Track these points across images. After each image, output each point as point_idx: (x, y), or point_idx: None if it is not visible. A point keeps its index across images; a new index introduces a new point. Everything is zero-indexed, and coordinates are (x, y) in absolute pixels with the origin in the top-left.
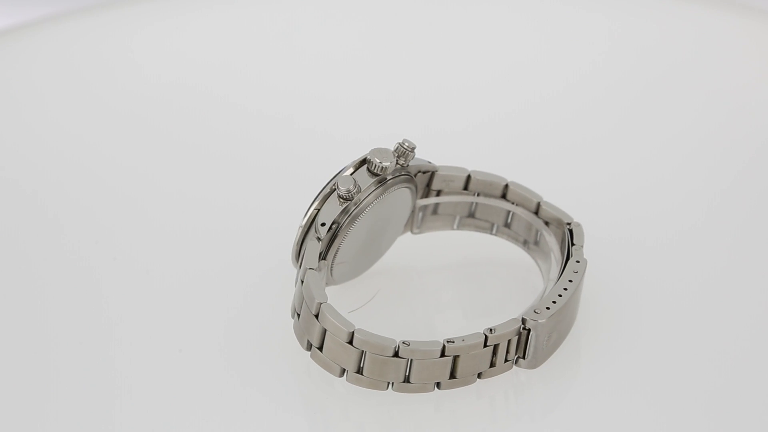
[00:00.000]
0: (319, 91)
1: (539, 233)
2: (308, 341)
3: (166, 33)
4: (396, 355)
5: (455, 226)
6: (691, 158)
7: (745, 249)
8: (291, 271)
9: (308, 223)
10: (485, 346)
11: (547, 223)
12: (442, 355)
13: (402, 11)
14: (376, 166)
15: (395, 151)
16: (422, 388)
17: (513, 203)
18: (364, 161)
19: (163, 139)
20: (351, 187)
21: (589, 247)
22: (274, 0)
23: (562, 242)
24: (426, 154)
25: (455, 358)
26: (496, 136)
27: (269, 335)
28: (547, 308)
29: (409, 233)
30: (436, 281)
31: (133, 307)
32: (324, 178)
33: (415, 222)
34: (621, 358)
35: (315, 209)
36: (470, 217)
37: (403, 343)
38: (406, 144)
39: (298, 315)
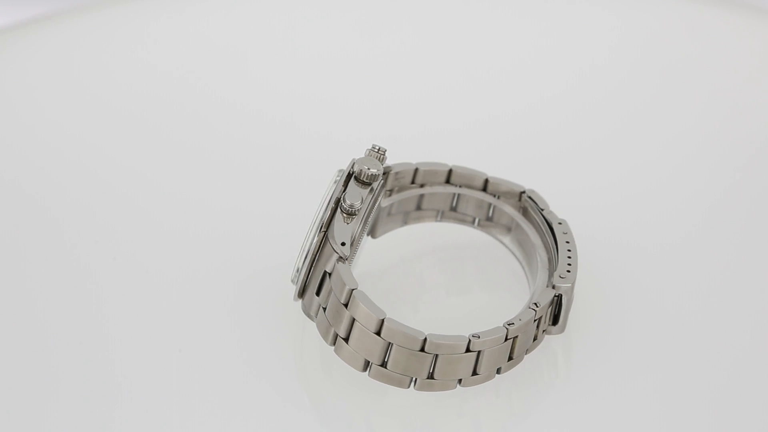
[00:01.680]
0: (317, 91)
1: (492, 207)
2: (366, 361)
3: (166, 33)
4: (468, 350)
5: (403, 222)
6: (691, 161)
7: (743, 254)
8: (289, 271)
9: (316, 251)
10: (534, 321)
11: (497, 197)
12: (506, 339)
13: (401, 12)
14: (366, 175)
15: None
16: (487, 378)
17: (458, 186)
18: (349, 174)
19: (163, 139)
20: (358, 203)
21: (587, 249)
22: (274, 1)
23: (524, 211)
24: (425, 155)
25: (514, 339)
26: (496, 138)
27: (271, 334)
28: (568, 271)
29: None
30: (392, 279)
31: (133, 307)
32: (321, 178)
33: (376, 226)
34: (613, 360)
35: (323, 233)
36: (417, 210)
37: (473, 336)
38: (378, 148)
39: (345, 339)
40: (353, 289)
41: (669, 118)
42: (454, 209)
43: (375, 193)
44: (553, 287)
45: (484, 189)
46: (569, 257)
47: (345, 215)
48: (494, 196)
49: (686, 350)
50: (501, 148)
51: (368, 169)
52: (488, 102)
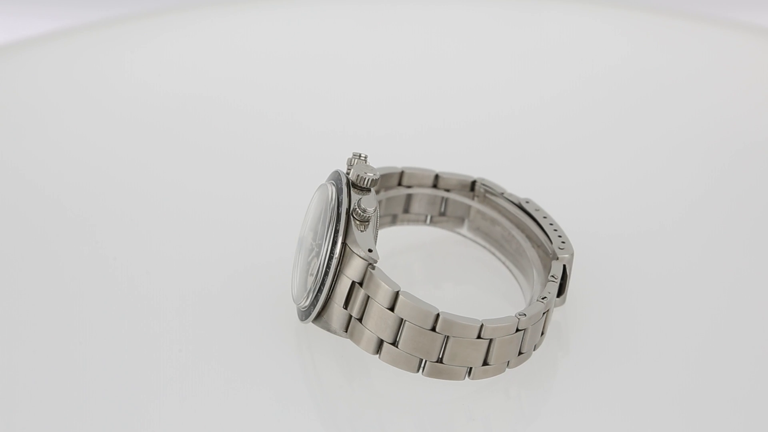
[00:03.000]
0: (316, 91)
1: (445, 201)
2: (421, 360)
3: (174, 44)
4: (517, 330)
5: None
6: (678, 160)
7: (736, 251)
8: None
9: (338, 261)
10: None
11: (448, 190)
12: (542, 314)
13: (400, 17)
14: (366, 180)
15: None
16: (527, 356)
17: (409, 186)
18: (347, 183)
19: (162, 137)
20: (371, 209)
21: (582, 244)
22: (274, 8)
23: (482, 198)
24: (421, 155)
25: (546, 313)
26: (492, 138)
27: (274, 333)
28: (563, 242)
29: None
30: None
31: (133, 307)
32: (321, 174)
33: None
34: (610, 353)
35: (342, 244)
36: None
37: (520, 314)
38: (359, 154)
39: (394, 343)
40: (398, 291)
41: (655, 123)
42: (406, 211)
43: (376, 198)
44: (557, 259)
45: (435, 185)
46: (555, 230)
47: (358, 222)
48: (446, 190)
49: (684, 342)
50: (496, 149)
51: (366, 173)
52: (483, 104)
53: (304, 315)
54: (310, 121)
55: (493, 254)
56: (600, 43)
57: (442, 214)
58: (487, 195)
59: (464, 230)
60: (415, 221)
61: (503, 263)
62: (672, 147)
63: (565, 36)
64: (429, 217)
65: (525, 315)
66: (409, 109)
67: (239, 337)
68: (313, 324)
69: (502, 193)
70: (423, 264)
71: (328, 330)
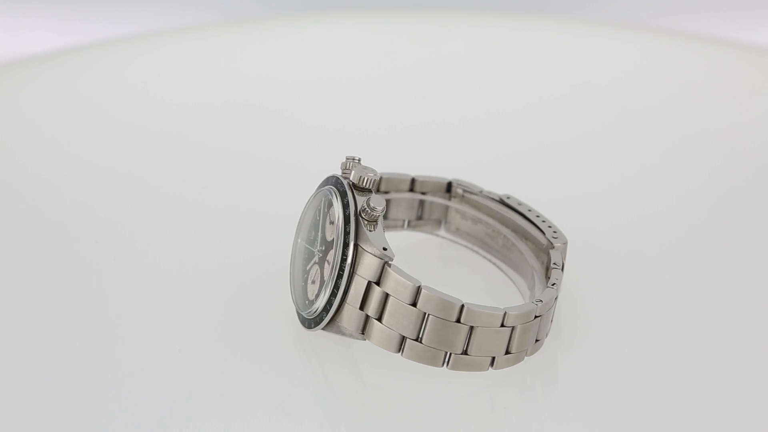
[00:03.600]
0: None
1: (422, 204)
2: (446, 354)
3: (178, 56)
4: (535, 316)
5: None
6: (667, 159)
7: (728, 249)
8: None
9: (351, 263)
10: None
11: (424, 193)
12: (555, 299)
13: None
14: (368, 180)
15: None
16: (542, 342)
17: (387, 192)
18: (349, 185)
19: (161, 138)
20: (380, 208)
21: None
22: (277, 25)
23: (461, 198)
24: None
25: (555, 299)
26: (487, 136)
27: (276, 332)
28: (554, 232)
29: None
30: None
31: (133, 307)
32: (320, 171)
33: None
34: (614, 340)
35: (354, 245)
36: None
37: (536, 300)
38: (354, 158)
39: (418, 338)
40: (419, 285)
41: (645, 124)
42: (385, 217)
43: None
44: (554, 248)
45: (411, 189)
46: (543, 221)
47: (367, 222)
48: (422, 193)
49: (675, 335)
50: (490, 146)
51: (368, 174)
52: (468, 107)
53: (313, 323)
54: (304, 120)
55: (477, 253)
56: (588, 56)
57: (420, 217)
58: (466, 194)
59: (443, 232)
60: (393, 227)
61: (489, 260)
62: (658, 150)
63: (559, 49)
64: (407, 222)
65: (542, 301)
66: (396, 110)
67: (239, 342)
68: (321, 330)
69: (481, 191)
70: (404, 269)
71: (341, 334)
